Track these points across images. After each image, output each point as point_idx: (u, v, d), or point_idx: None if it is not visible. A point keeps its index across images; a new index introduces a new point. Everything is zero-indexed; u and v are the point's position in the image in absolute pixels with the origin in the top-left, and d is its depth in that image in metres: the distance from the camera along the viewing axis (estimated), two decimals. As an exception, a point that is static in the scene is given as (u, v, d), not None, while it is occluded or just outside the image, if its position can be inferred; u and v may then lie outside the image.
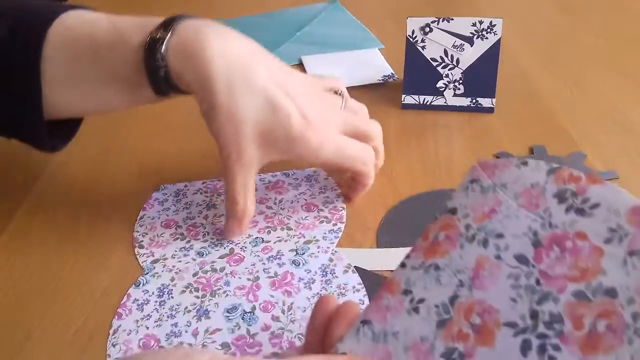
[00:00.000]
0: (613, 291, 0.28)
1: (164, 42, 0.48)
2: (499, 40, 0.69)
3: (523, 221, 0.31)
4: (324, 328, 0.34)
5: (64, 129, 0.56)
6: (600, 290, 0.28)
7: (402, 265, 0.32)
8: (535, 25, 0.95)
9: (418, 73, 0.71)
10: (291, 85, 0.51)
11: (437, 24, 0.70)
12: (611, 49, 0.86)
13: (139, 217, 0.56)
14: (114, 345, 0.44)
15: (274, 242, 0.52)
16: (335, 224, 0.54)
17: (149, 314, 0.46)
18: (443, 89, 0.71)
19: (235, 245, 0.52)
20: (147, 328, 0.45)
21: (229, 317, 0.45)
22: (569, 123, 0.69)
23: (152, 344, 0.44)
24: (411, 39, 0.71)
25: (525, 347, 0.28)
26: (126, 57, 0.50)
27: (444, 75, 0.71)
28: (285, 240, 0.52)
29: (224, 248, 0.52)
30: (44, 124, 0.52)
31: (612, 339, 0.27)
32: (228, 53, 0.49)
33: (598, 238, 0.30)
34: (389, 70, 0.81)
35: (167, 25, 0.49)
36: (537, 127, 0.68)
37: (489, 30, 0.69)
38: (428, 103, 0.72)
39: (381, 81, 0.79)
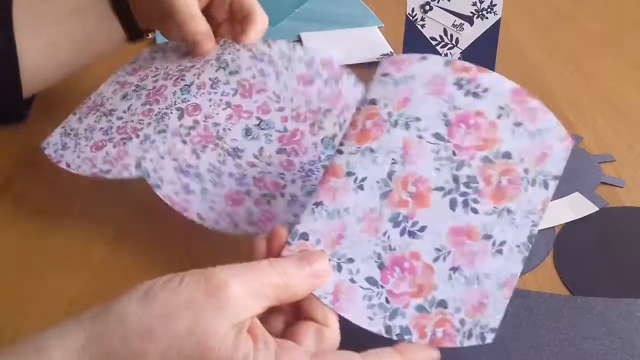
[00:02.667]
0: (508, 154, 0.37)
1: None
2: (499, 21, 0.69)
3: (433, 106, 0.38)
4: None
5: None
6: (500, 154, 0.37)
7: (340, 152, 0.38)
8: (536, 6, 0.95)
9: (417, 52, 0.70)
10: None
11: (437, 2, 0.69)
12: (611, 33, 0.86)
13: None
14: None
15: None
16: None
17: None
18: (441, 68, 0.71)
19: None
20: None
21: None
22: (566, 105, 0.69)
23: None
24: (411, 17, 0.70)
25: (452, 204, 0.36)
26: None
27: (443, 54, 0.71)
28: None
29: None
30: (20, 83, 0.55)
31: (513, 189, 0.36)
32: None
33: (492, 115, 0.38)
34: (388, 49, 0.80)
35: None
36: (535, 109, 0.68)
37: (489, 9, 0.69)
38: (426, 82, 0.72)
39: (380, 59, 0.78)
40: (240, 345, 0.29)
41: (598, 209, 0.53)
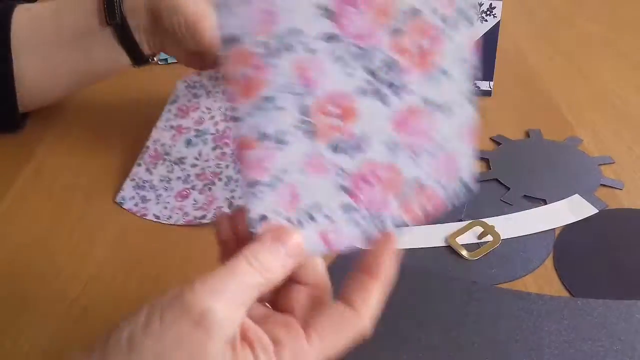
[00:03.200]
0: (417, 11, 0.31)
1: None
2: (498, 23, 0.69)
3: (303, 5, 0.30)
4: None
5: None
6: (406, 17, 0.31)
7: (236, 120, 0.31)
8: (535, 9, 0.95)
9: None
10: None
11: (437, 6, 0.69)
12: (610, 34, 0.86)
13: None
14: None
15: None
16: None
17: None
18: (441, 71, 0.71)
19: None
20: None
21: None
22: (566, 107, 0.69)
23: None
24: (410, 20, 0.70)
25: (384, 100, 0.32)
26: (86, 8, 0.55)
27: (442, 57, 0.71)
28: None
29: None
30: (15, 96, 0.56)
31: (438, 45, 0.32)
32: None
33: None
34: (387, 52, 0.80)
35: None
36: (534, 111, 0.68)
37: (488, 12, 0.69)
38: (426, 85, 0.72)
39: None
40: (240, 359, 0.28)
41: (598, 211, 0.53)
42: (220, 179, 0.53)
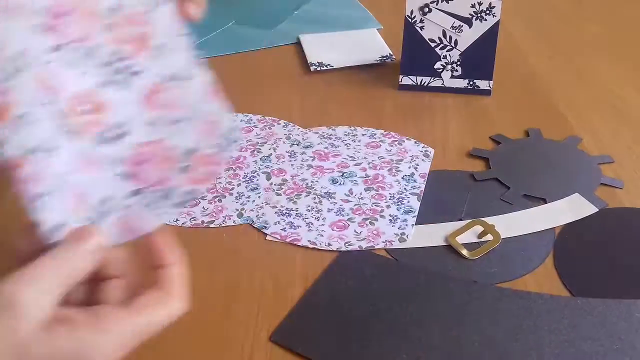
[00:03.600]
0: (120, 6, 0.35)
1: None
2: (497, 22, 0.69)
3: (22, 29, 0.33)
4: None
5: None
6: (112, 12, 0.35)
7: None
8: (535, 8, 0.95)
9: (416, 54, 0.71)
10: None
11: (437, 4, 0.69)
12: (610, 35, 0.86)
13: None
14: None
15: None
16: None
17: None
18: (441, 70, 0.71)
19: None
20: None
21: None
22: (566, 107, 0.69)
23: None
24: (410, 19, 0.70)
25: (126, 86, 0.35)
26: None
27: (441, 56, 0.71)
28: None
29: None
30: None
31: (148, 27, 0.36)
32: None
33: None
34: (387, 51, 0.81)
35: None
36: (534, 110, 0.68)
37: (487, 11, 0.69)
38: (425, 84, 0.72)
39: (379, 61, 0.78)
40: (54, 338, 0.31)
41: (598, 209, 0.53)
42: (231, 194, 0.57)
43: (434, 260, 0.49)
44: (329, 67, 0.77)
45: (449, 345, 0.42)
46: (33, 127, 0.33)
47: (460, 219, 0.53)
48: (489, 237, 0.51)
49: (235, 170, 0.60)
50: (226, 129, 0.36)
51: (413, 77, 0.72)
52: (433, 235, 0.51)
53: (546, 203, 0.54)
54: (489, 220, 0.52)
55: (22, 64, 0.33)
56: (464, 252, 0.50)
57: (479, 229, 0.52)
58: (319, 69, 0.77)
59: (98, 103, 0.35)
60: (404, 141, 0.63)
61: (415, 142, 0.63)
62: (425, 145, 0.62)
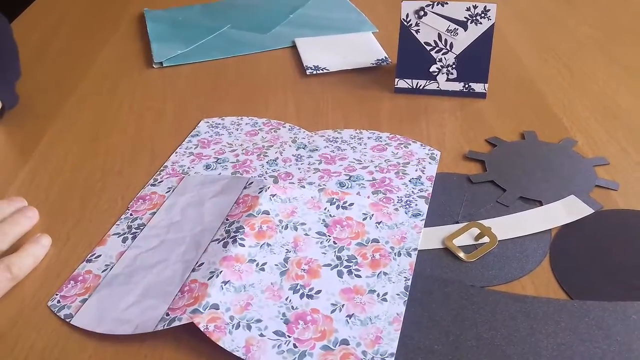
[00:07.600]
0: (376, 240, 0.50)
1: None
2: (492, 26, 0.69)
3: (314, 216, 0.53)
4: None
5: None
6: (370, 240, 0.50)
7: (242, 245, 0.48)
8: (529, 11, 0.95)
9: (411, 57, 0.71)
10: None
11: (432, 8, 0.70)
12: (604, 37, 0.86)
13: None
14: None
15: None
16: None
17: None
18: (436, 73, 0.71)
19: None
20: None
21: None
22: (561, 109, 0.69)
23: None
24: (405, 23, 0.70)
25: (339, 274, 0.47)
26: None
27: (437, 59, 0.71)
28: None
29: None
30: None
31: (385, 259, 0.48)
32: None
33: (359, 218, 0.52)
34: (382, 54, 0.81)
35: None
36: (529, 113, 0.69)
37: (482, 15, 0.69)
38: (421, 87, 0.72)
39: (374, 65, 0.79)
40: None
41: (593, 211, 0.53)
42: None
43: (431, 263, 0.49)
44: (324, 71, 0.77)
45: (446, 348, 0.42)
46: (267, 254, 0.48)
47: (457, 222, 0.53)
48: (486, 239, 0.51)
49: (241, 174, 0.59)
50: (386, 347, 0.41)
51: (409, 80, 0.72)
52: (430, 238, 0.51)
53: (542, 205, 0.55)
54: (486, 222, 0.52)
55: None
56: (461, 254, 0.50)
57: (475, 231, 0.52)
58: (314, 72, 0.77)
59: (314, 271, 0.47)
60: (409, 144, 0.63)
61: (422, 145, 0.63)
62: (432, 148, 0.62)
